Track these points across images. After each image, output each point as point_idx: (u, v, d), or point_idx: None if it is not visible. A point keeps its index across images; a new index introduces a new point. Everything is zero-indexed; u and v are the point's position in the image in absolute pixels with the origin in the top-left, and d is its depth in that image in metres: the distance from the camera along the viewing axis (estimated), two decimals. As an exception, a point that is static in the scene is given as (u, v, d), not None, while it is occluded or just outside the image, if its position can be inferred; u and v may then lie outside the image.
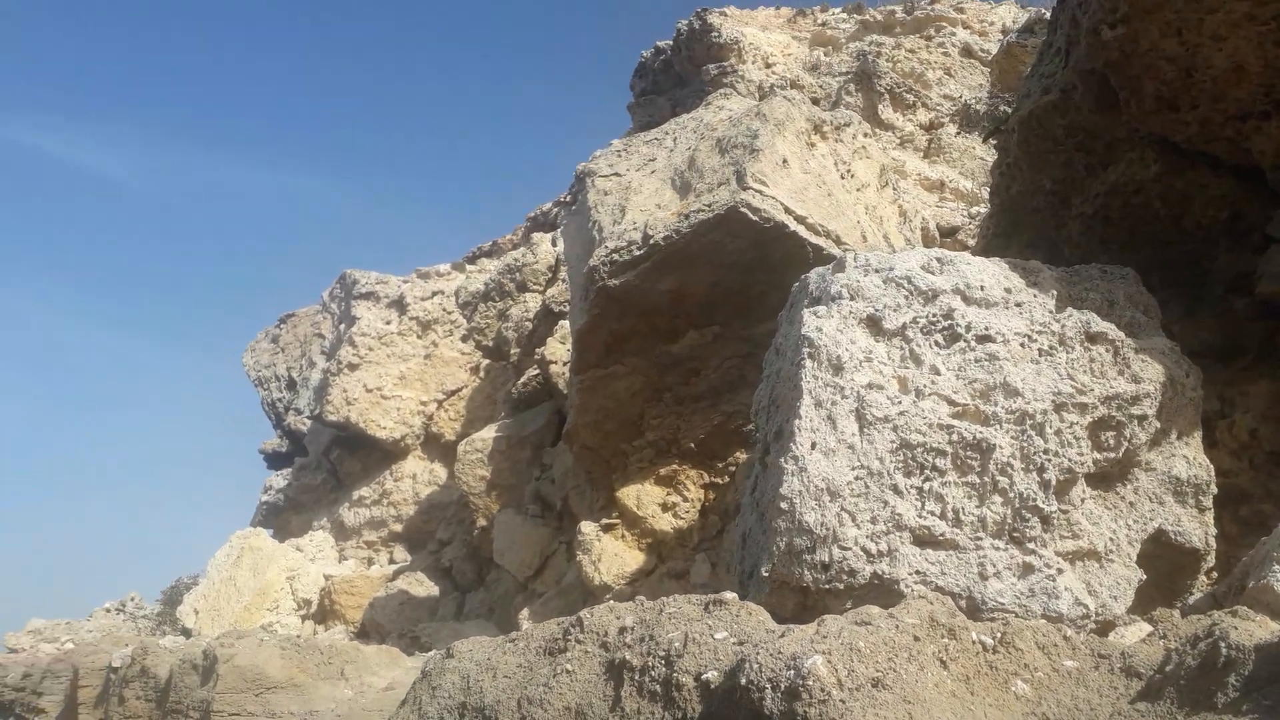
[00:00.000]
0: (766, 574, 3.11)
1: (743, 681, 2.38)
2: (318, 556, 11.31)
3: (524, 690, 2.91)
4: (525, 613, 7.35)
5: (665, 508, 7.08)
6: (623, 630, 2.88)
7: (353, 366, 13.10)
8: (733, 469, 7.17)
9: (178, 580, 14.19)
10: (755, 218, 6.24)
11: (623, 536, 7.11)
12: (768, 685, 2.33)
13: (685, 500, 7.09)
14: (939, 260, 3.54)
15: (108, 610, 14.10)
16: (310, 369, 15.31)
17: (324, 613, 10.31)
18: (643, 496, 7.10)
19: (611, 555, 6.97)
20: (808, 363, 3.22)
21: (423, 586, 9.68)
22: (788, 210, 6.39)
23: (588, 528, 7.09)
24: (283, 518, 13.63)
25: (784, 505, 3.07)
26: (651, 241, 6.39)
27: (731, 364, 6.98)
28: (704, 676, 2.56)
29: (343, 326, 13.92)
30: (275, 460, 17.51)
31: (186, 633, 9.71)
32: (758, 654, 2.41)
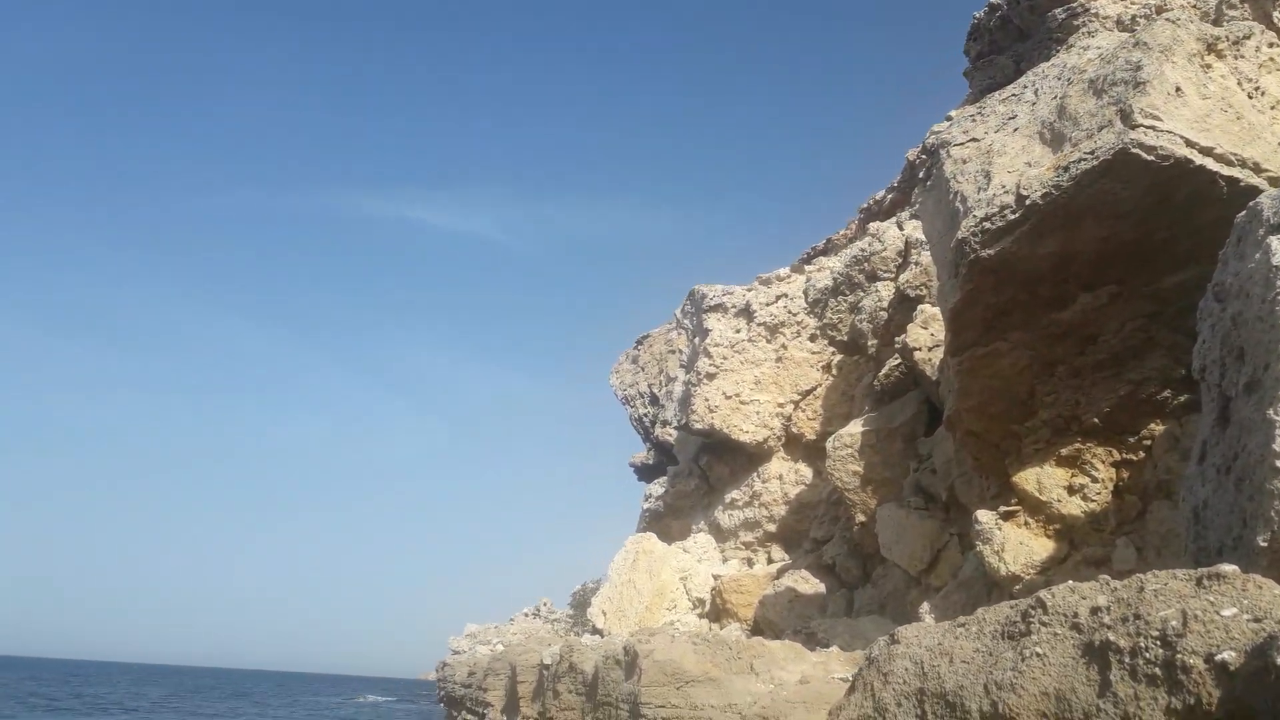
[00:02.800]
0: (1265, 544, 2.69)
1: (1279, 661, 2.06)
2: (703, 558, 11.79)
3: (989, 675, 2.75)
4: (925, 607, 7.08)
5: (1071, 490, 6.49)
6: (1096, 610, 2.63)
7: (710, 376, 13.56)
8: (1148, 443, 6.41)
9: (583, 585, 15.53)
10: (1150, 157, 5.56)
11: (1025, 524, 6.62)
12: (1315, 666, 1.99)
13: (1094, 481, 6.44)
14: None
15: (526, 615, 15.78)
16: (669, 383, 16.10)
17: (717, 611, 10.70)
18: (1043, 480, 6.57)
19: (1015, 544, 6.51)
20: (1287, 297, 2.75)
21: (808, 584, 9.71)
22: (1189, 143, 5.62)
23: (985, 517, 6.69)
24: (663, 523, 14.41)
25: (1280, 463, 2.64)
26: (1027, 202, 5.92)
27: (1135, 326, 6.26)
28: (1218, 658, 2.25)
29: (697, 340, 14.48)
30: (644, 472, 18.61)
31: (597, 632, 10.55)
32: (1294, 629, 2.07)
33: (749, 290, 14.67)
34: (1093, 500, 6.42)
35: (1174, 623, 2.37)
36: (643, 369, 18.53)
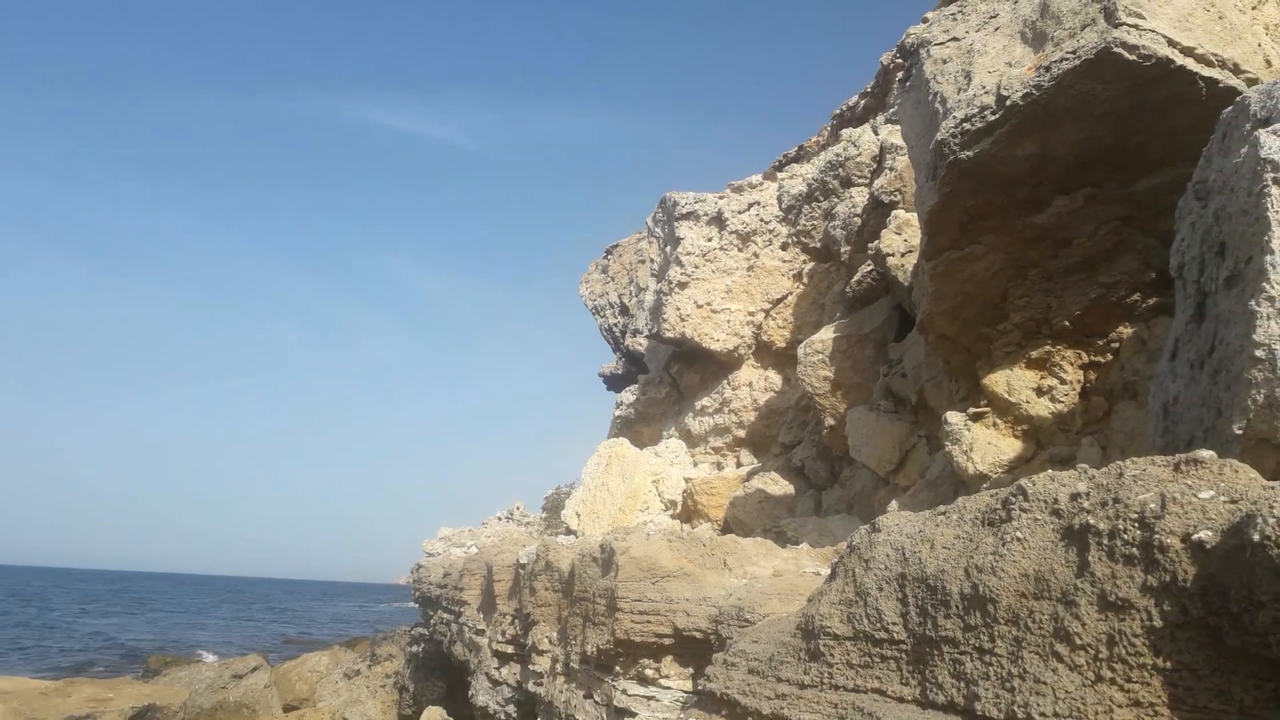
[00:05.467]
0: (1240, 431, 2.77)
1: (1255, 538, 2.14)
2: (674, 461, 11.98)
3: (970, 559, 2.84)
4: (894, 505, 7.27)
5: (1040, 392, 6.63)
6: (1076, 496, 2.71)
7: (682, 285, 13.54)
8: (1116, 346, 6.54)
9: (556, 489, 15.78)
10: (1132, 57, 5.51)
11: (994, 425, 6.77)
12: (1289, 541, 2.07)
13: (1063, 383, 6.58)
14: None
15: (499, 518, 16.03)
16: (640, 293, 16.06)
17: (689, 512, 10.93)
18: (1013, 382, 6.70)
19: (984, 444, 6.67)
20: (1274, 190, 2.77)
21: (778, 485, 9.92)
22: (1171, 43, 5.57)
23: (954, 418, 6.83)
24: (634, 430, 14.58)
25: (1259, 353, 2.70)
26: (1008, 103, 5.87)
27: (1108, 229, 6.31)
28: (1195, 537, 2.33)
29: (669, 248, 14.40)
30: (614, 381, 18.72)
31: (571, 533, 10.75)
32: (1272, 509, 2.14)
33: (721, 198, 14.55)
34: (1060, 401, 6.57)
35: (1153, 505, 2.45)
36: (613, 279, 18.45)
